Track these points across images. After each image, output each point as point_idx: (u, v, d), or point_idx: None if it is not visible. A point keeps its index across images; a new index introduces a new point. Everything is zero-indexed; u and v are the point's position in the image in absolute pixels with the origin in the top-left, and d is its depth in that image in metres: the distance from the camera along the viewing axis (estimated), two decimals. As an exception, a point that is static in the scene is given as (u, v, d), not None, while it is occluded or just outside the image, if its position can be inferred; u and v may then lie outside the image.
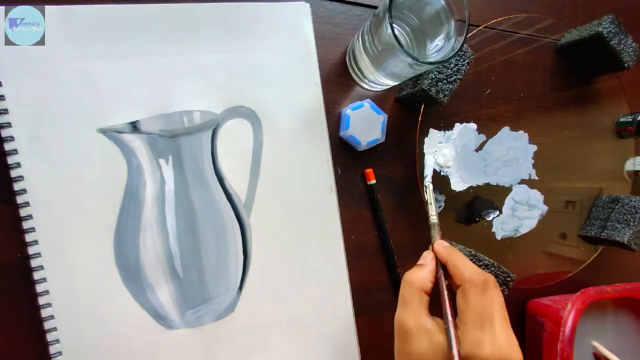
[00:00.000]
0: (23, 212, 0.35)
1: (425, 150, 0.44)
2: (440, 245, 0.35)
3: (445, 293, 0.32)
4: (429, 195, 0.39)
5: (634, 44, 0.45)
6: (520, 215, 0.48)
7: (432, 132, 0.45)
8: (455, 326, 0.30)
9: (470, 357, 0.28)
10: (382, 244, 0.44)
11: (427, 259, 0.34)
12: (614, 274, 0.52)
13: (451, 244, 0.44)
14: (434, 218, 0.38)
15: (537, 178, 0.48)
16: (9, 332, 0.35)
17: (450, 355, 0.28)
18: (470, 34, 0.45)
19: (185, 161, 0.38)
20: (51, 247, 0.35)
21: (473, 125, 0.46)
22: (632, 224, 0.46)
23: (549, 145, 0.49)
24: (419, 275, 0.32)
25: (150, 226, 0.37)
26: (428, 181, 0.40)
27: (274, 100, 0.40)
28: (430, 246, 0.36)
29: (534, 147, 0.48)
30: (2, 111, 0.34)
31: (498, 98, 0.48)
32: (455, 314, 0.31)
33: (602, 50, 0.45)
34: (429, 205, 0.38)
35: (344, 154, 0.43)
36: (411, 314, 0.31)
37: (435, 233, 0.37)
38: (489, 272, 0.41)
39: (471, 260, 0.41)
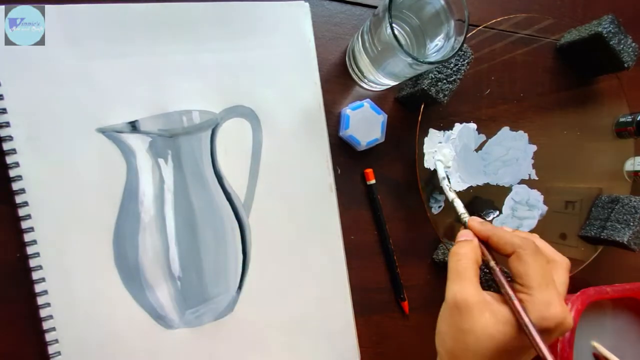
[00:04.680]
0: (22, 212, 0.35)
1: (425, 150, 0.44)
2: (476, 221, 0.33)
3: (494, 264, 0.31)
4: (448, 192, 0.39)
5: (633, 44, 0.45)
6: (520, 215, 0.48)
7: (432, 132, 0.45)
8: (515, 294, 0.29)
9: (540, 321, 0.27)
10: (382, 244, 0.44)
11: (469, 236, 0.33)
12: (613, 274, 0.52)
13: (450, 244, 0.44)
14: (459, 206, 0.37)
15: (537, 178, 0.48)
16: (7, 332, 0.35)
17: (523, 323, 0.27)
18: (470, 34, 0.45)
19: (185, 161, 0.38)
20: (50, 247, 0.35)
21: (473, 125, 0.46)
22: (632, 224, 0.46)
23: (549, 145, 0.49)
24: (470, 248, 0.31)
25: (150, 226, 0.37)
26: (446, 183, 0.41)
27: (273, 99, 0.40)
28: (462, 227, 0.35)
29: (534, 147, 0.48)
30: (0, 110, 0.34)
31: (498, 98, 0.48)
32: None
33: (602, 50, 0.45)
34: (454, 200, 0.38)
35: (344, 153, 0.43)
36: (470, 288, 0.29)
37: (464, 213, 0.36)
38: (488, 272, 0.42)
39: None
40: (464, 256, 0.30)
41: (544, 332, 0.27)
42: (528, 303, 0.28)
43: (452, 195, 0.39)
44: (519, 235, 0.31)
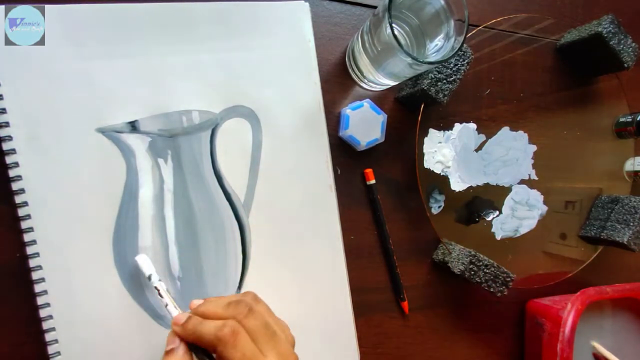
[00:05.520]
0: (21, 212, 0.35)
1: (425, 150, 0.44)
2: (177, 324, 0.30)
3: None
4: (166, 296, 0.34)
5: (633, 44, 0.45)
6: (519, 215, 0.48)
7: (432, 132, 0.45)
8: None
9: None
10: (382, 244, 0.44)
11: (175, 342, 0.30)
12: (613, 274, 0.52)
13: (450, 244, 0.44)
14: (169, 306, 0.33)
15: (536, 178, 0.48)
16: (7, 332, 0.35)
17: None
18: (470, 34, 0.45)
19: (184, 161, 0.38)
20: (50, 247, 0.35)
21: (473, 125, 0.46)
22: (631, 224, 0.46)
23: (549, 145, 0.49)
24: None
25: (150, 226, 0.37)
26: (155, 280, 0.35)
27: (273, 99, 0.40)
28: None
29: (534, 147, 0.48)
30: (0, 110, 0.34)
31: (498, 98, 0.48)
32: None
33: (602, 50, 0.45)
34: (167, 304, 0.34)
35: (344, 154, 0.43)
36: None
37: (173, 310, 0.33)
38: (488, 272, 0.42)
39: (471, 260, 0.41)
40: None
41: None
42: None
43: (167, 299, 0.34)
44: (217, 327, 0.29)
